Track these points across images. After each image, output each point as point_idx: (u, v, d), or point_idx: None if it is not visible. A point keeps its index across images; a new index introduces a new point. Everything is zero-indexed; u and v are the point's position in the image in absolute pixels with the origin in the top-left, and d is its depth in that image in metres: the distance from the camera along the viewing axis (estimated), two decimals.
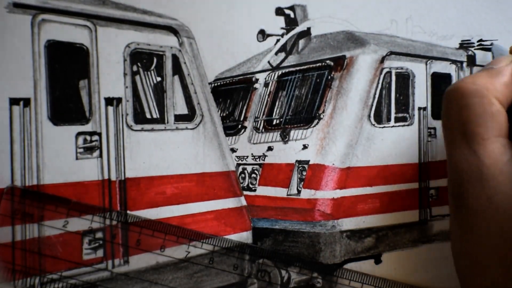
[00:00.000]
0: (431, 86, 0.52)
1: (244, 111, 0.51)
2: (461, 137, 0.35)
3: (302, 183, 0.47)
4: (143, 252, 0.43)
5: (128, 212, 0.43)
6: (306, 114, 0.48)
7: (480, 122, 0.34)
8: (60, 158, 0.41)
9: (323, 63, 0.49)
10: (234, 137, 0.49)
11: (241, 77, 0.50)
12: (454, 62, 0.54)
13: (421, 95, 0.52)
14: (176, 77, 0.46)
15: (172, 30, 0.45)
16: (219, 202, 0.46)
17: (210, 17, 0.46)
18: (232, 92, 0.50)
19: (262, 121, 0.50)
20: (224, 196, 0.47)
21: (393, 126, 0.50)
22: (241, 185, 0.48)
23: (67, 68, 0.42)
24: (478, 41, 0.53)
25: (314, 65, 0.49)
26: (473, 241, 0.34)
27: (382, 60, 0.50)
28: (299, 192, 0.47)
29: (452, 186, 0.37)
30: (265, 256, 0.46)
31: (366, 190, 0.48)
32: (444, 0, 0.52)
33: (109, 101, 0.43)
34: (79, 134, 0.42)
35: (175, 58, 0.46)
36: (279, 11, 0.48)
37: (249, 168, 0.49)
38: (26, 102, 0.40)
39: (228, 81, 0.49)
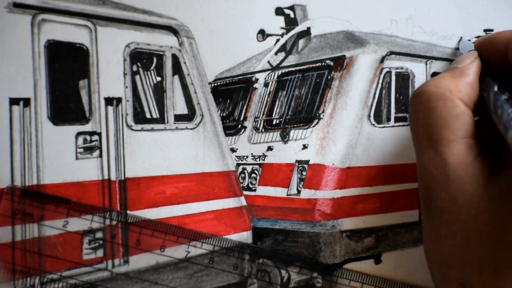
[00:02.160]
0: None
1: (244, 111, 0.51)
2: (427, 140, 0.35)
3: (302, 183, 0.47)
4: (143, 252, 0.43)
5: (128, 212, 0.43)
6: (306, 114, 0.48)
7: (445, 125, 0.34)
8: (60, 158, 0.41)
9: (323, 63, 0.49)
10: (234, 137, 0.49)
11: (241, 77, 0.50)
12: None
13: None
14: (176, 77, 0.46)
15: (172, 30, 0.45)
16: (219, 202, 0.46)
17: (210, 17, 0.46)
18: (232, 92, 0.50)
19: (262, 121, 0.50)
20: (224, 196, 0.47)
21: (393, 126, 0.50)
22: (241, 185, 0.48)
23: (67, 68, 0.42)
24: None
25: (314, 65, 0.49)
26: (441, 241, 0.34)
27: (382, 60, 0.50)
28: (299, 192, 0.47)
29: (421, 189, 0.37)
30: (265, 256, 0.46)
31: (366, 190, 0.48)
32: (444, 0, 0.52)
33: (109, 101, 0.43)
34: (79, 134, 0.42)
35: (175, 58, 0.46)
36: (279, 11, 0.48)
37: (249, 168, 0.49)
38: (26, 102, 0.40)
39: (228, 81, 0.49)
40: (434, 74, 0.53)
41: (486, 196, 0.33)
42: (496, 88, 0.35)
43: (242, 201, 0.48)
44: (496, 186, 0.33)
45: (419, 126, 0.37)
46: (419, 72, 0.52)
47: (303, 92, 0.49)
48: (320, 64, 0.49)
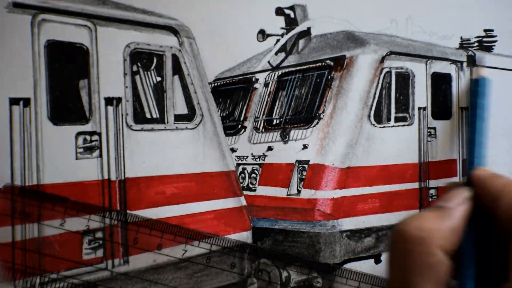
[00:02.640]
0: (431, 86, 0.52)
1: (244, 111, 0.51)
2: (399, 283, 0.35)
3: (302, 183, 0.47)
4: (141, 251, 0.43)
5: (127, 211, 0.43)
6: (306, 114, 0.48)
7: (419, 272, 0.34)
8: (60, 158, 0.41)
9: (323, 63, 0.49)
10: (234, 137, 0.49)
11: (241, 77, 0.50)
12: (454, 62, 0.54)
13: (421, 95, 0.52)
14: (176, 77, 0.46)
15: (172, 30, 0.45)
16: (219, 202, 0.46)
17: (210, 17, 0.46)
18: (232, 92, 0.50)
19: (262, 121, 0.50)
20: (224, 196, 0.47)
21: (393, 126, 0.50)
22: (241, 185, 0.48)
23: (67, 68, 0.42)
24: (476, 37, 0.53)
25: (314, 65, 0.49)
26: None
27: (382, 60, 0.50)
28: (299, 192, 0.47)
29: None
30: (265, 256, 0.46)
31: (366, 190, 0.48)
32: (444, 0, 0.52)
33: (109, 101, 0.43)
34: (79, 134, 0.42)
35: (175, 58, 0.46)
36: (279, 11, 0.48)
37: (249, 168, 0.49)
38: (26, 102, 0.40)
39: (228, 81, 0.49)
40: (434, 74, 0.53)
41: None
42: (469, 242, 0.35)
43: (242, 201, 0.48)
44: None
45: (393, 268, 0.37)
46: (419, 72, 0.52)
47: (303, 92, 0.49)
48: (320, 64, 0.49)
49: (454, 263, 0.37)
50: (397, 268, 0.36)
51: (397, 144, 0.50)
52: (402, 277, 0.36)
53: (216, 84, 0.47)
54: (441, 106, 0.54)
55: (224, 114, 0.50)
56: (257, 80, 0.51)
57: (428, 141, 0.52)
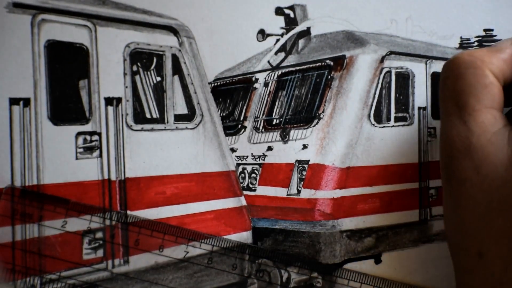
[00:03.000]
0: (431, 86, 0.52)
1: (244, 111, 0.51)
2: (453, 107, 0.35)
3: (302, 183, 0.47)
4: (142, 252, 0.43)
5: (128, 212, 0.43)
6: (306, 114, 0.48)
7: (473, 93, 0.34)
8: (60, 158, 0.41)
9: (323, 63, 0.49)
10: (234, 137, 0.49)
11: (241, 77, 0.50)
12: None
13: (421, 95, 0.52)
14: (176, 77, 0.46)
15: (172, 30, 0.45)
16: (219, 202, 0.46)
17: (210, 17, 0.46)
18: (232, 92, 0.50)
19: (262, 121, 0.50)
20: (224, 196, 0.47)
21: (393, 126, 0.50)
22: (241, 185, 0.48)
23: (67, 68, 0.42)
24: (476, 37, 0.53)
25: (314, 65, 0.49)
26: (462, 211, 0.35)
27: (382, 60, 0.50)
28: (299, 192, 0.47)
29: (442, 157, 0.37)
30: (265, 256, 0.46)
31: (366, 190, 0.48)
32: (444, 0, 0.52)
33: (109, 101, 0.43)
34: (79, 134, 0.42)
35: (175, 58, 0.46)
36: (279, 11, 0.48)
37: (249, 168, 0.49)
38: (26, 102, 0.40)
39: (228, 81, 0.49)
40: (434, 74, 0.53)
41: (510, 168, 0.33)
42: None
43: (242, 201, 0.47)
44: None
45: (446, 92, 0.37)
46: (419, 72, 0.52)
47: (303, 92, 0.49)
48: (320, 64, 0.49)
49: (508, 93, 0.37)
50: (451, 93, 0.36)
51: (397, 144, 0.50)
52: (456, 101, 0.36)
53: (216, 84, 0.47)
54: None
55: (224, 114, 0.50)
56: (257, 80, 0.51)
57: (428, 141, 0.52)
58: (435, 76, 0.53)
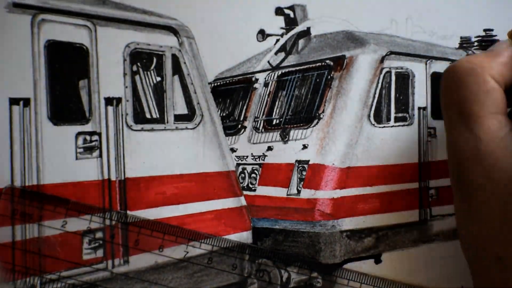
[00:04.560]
0: (431, 86, 0.52)
1: (244, 111, 0.51)
2: (458, 116, 0.35)
3: (302, 183, 0.47)
4: (142, 252, 0.43)
5: (128, 212, 0.43)
6: (306, 114, 0.48)
7: (475, 100, 0.34)
8: (60, 158, 0.41)
9: (323, 63, 0.49)
10: (234, 137, 0.49)
11: (241, 77, 0.50)
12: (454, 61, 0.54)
13: (421, 95, 0.52)
14: (176, 77, 0.46)
15: (172, 30, 0.45)
16: (219, 202, 0.46)
17: (210, 17, 0.46)
18: (232, 92, 0.50)
19: (262, 121, 0.50)
20: (224, 196, 0.47)
21: (393, 126, 0.50)
22: (241, 185, 0.48)
23: (67, 68, 0.42)
24: (476, 37, 0.53)
25: (314, 65, 0.49)
26: (477, 217, 0.35)
27: (382, 60, 0.50)
28: (299, 192, 0.47)
29: (452, 168, 0.37)
30: (265, 256, 0.46)
31: (366, 190, 0.48)
32: (444, 0, 0.52)
33: (109, 101, 0.43)
34: (79, 134, 0.42)
35: (175, 58, 0.46)
36: (279, 11, 0.48)
37: (249, 168, 0.49)
38: (26, 102, 0.40)
39: (228, 81, 0.49)
40: (434, 74, 0.53)
41: None
42: None
43: (242, 201, 0.47)
44: None
45: (449, 102, 0.37)
46: (419, 72, 0.52)
47: (303, 92, 0.49)
48: (320, 64, 0.49)
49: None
50: (454, 102, 0.36)
51: (397, 144, 0.50)
52: (460, 109, 0.36)
53: (216, 84, 0.47)
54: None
55: (224, 114, 0.50)
56: (257, 80, 0.51)
57: (428, 141, 0.52)
58: (435, 76, 0.53)
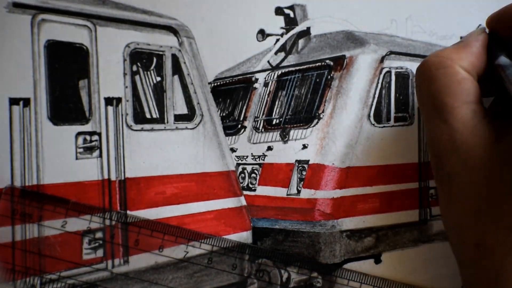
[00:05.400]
0: None
1: (243, 111, 0.51)
2: (432, 109, 0.36)
3: (302, 182, 0.47)
4: (142, 252, 0.43)
5: (128, 212, 0.43)
6: (305, 114, 0.48)
7: (447, 92, 0.35)
8: (60, 158, 0.41)
9: (323, 63, 0.49)
10: (234, 137, 0.49)
11: (241, 77, 0.50)
12: None
13: None
14: (176, 77, 0.46)
15: (172, 30, 0.45)
16: (219, 202, 0.46)
17: (210, 17, 0.46)
18: (231, 92, 0.50)
19: (262, 121, 0.50)
20: (224, 196, 0.47)
21: (393, 126, 0.50)
22: (241, 185, 0.48)
23: (67, 68, 0.42)
24: None
25: (313, 65, 0.49)
26: (454, 205, 0.35)
27: (382, 60, 0.50)
28: (299, 191, 0.47)
29: (432, 158, 0.38)
30: (264, 256, 0.46)
31: (366, 189, 0.48)
32: (444, 0, 0.52)
33: (109, 101, 0.43)
34: (79, 134, 0.42)
35: (174, 58, 0.46)
36: (278, 11, 0.48)
37: (248, 168, 0.49)
38: (26, 102, 0.40)
39: (227, 81, 0.49)
40: None
41: (495, 157, 0.33)
42: (505, 58, 0.36)
43: (242, 201, 0.48)
44: (505, 146, 0.33)
45: (423, 97, 0.38)
46: None
47: (303, 92, 0.49)
48: (320, 64, 0.49)
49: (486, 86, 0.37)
50: (427, 97, 0.37)
51: (397, 144, 0.50)
52: (434, 103, 0.36)
53: (216, 84, 0.47)
54: None
55: (224, 114, 0.50)
56: (256, 80, 0.51)
57: None
58: None
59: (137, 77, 0.44)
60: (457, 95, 0.35)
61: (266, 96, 0.50)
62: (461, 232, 0.35)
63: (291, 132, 0.48)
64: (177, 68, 0.46)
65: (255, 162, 0.49)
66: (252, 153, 0.49)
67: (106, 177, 0.43)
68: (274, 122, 0.50)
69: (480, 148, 0.34)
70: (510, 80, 0.35)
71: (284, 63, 0.50)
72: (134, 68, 0.44)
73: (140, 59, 0.44)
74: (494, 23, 0.39)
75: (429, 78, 0.36)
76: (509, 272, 0.32)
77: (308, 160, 0.47)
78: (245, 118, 0.50)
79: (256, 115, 0.50)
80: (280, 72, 0.50)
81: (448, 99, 0.35)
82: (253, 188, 0.49)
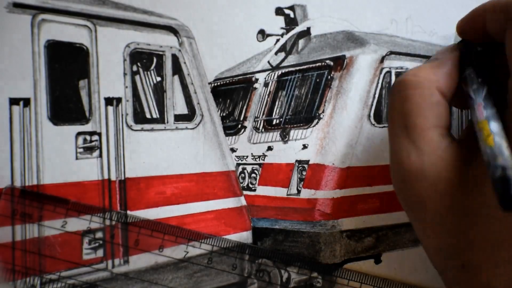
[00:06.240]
0: None
1: (244, 111, 0.51)
2: (402, 128, 0.35)
3: (302, 183, 0.47)
4: (142, 252, 0.43)
5: (128, 212, 0.43)
6: (306, 114, 0.48)
7: (420, 113, 0.34)
8: (60, 158, 0.41)
9: (323, 63, 0.49)
10: (234, 137, 0.49)
11: (241, 77, 0.50)
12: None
13: None
14: (176, 77, 0.46)
15: (172, 30, 0.45)
16: (219, 202, 0.46)
17: (210, 17, 0.46)
18: (232, 92, 0.50)
19: (262, 121, 0.50)
20: (224, 196, 0.47)
21: None
22: (241, 185, 0.48)
23: (67, 68, 0.42)
24: None
25: (314, 65, 0.49)
26: (431, 231, 0.34)
27: (382, 60, 0.50)
28: (299, 192, 0.47)
29: (396, 183, 0.37)
30: (264, 256, 0.46)
31: (366, 190, 0.48)
32: (444, 0, 0.52)
33: (109, 101, 0.43)
34: (79, 134, 0.42)
35: (175, 58, 0.46)
36: (279, 11, 0.48)
37: (249, 168, 0.49)
38: (26, 102, 0.40)
39: (228, 81, 0.49)
40: None
41: (465, 180, 0.33)
42: (475, 81, 0.35)
43: (242, 201, 0.48)
44: (472, 170, 0.33)
45: (395, 114, 0.37)
46: None
47: (303, 92, 0.49)
48: (320, 64, 0.49)
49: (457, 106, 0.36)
50: (399, 115, 0.36)
51: None
52: (405, 122, 0.36)
53: (216, 84, 0.47)
54: None
55: (224, 114, 0.50)
56: (257, 80, 0.51)
57: None
58: None
59: (137, 77, 0.44)
60: (429, 118, 0.35)
61: (266, 96, 0.50)
62: (445, 255, 0.34)
63: (291, 132, 0.48)
64: (177, 68, 0.46)
65: (255, 162, 0.49)
66: (252, 153, 0.49)
67: (106, 177, 0.43)
68: (274, 122, 0.50)
69: (449, 171, 0.33)
70: (472, 97, 0.34)
71: (284, 63, 0.50)
72: (134, 68, 0.44)
73: (140, 59, 0.44)
74: (463, 29, 0.39)
75: (405, 96, 0.36)
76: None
77: (308, 160, 0.47)
78: (245, 118, 0.50)
79: (256, 115, 0.50)
80: (280, 72, 0.50)
81: (420, 120, 0.35)
82: (253, 188, 0.49)
